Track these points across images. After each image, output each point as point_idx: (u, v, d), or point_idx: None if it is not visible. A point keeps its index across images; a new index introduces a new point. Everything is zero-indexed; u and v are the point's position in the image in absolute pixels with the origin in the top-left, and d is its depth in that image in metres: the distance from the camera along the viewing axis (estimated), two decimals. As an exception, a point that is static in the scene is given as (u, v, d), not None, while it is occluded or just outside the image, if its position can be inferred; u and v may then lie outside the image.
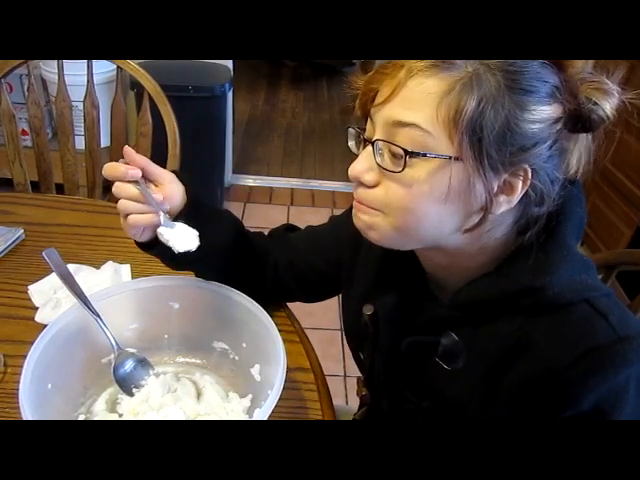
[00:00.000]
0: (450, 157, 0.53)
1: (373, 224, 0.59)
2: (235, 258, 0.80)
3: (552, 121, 0.53)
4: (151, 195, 0.67)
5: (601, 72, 0.55)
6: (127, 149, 0.68)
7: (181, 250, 0.68)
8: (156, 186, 0.70)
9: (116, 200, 0.68)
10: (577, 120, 0.54)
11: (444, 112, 0.52)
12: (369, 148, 0.58)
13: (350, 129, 0.64)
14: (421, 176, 0.54)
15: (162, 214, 0.68)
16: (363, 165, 0.58)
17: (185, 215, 0.71)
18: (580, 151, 0.58)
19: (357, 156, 0.61)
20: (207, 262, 0.77)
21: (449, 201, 0.55)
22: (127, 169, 0.66)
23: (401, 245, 0.62)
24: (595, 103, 0.53)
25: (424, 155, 0.53)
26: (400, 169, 0.54)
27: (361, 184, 0.59)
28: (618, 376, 0.52)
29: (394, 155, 0.55)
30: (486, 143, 0.52)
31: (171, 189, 0.71)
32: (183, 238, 0.68)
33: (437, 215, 0.56)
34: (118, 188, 0.67)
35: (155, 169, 0.70)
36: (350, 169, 0.59)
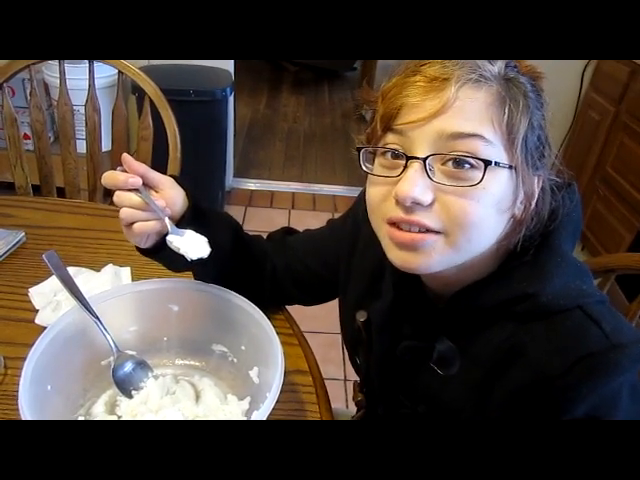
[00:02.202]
0: (511, 167, 0.54)
1: (430, 248, 0.55)
2: (234, 261, 0.80)
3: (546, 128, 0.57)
4: (154, 202, 0.67)
5: None
6: (125, 156, 0.67)
7: (194, 258, 0.67)
8: (156, 192, 0.70)
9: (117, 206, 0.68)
10: None
11: (499, 123, 0.53)
12: (415, 165, 0.53)
13: (366, 150, 0.59)
14: (489, 187, 0.53)
15: (169, 222, 0.68)
16: (416, 184, 0.53)
17: (188, 219, 0.71)
18: None
19: (382, 175, 0.56)
20: (207, 265, 0.77)
21: (504, 212, 0.55)
22: (127, 177, 0.65)
23: (450, 265, 0.57)
24: None
25: (497, 164, 0.53)
26: (470, 182, 0.52)
27: (415, 207, 0.53)
28: (611, 384, 0.52)
29: (449, 170, 0.53)
30: (531, 152, 0.55)
31: (172, 194, 0.70)
32: (194, 245, 0.68)
33: (494, 227, 0.56)
34: (119, 197, 0.66)
35: (154, 175, 0.69)
36: (403, 191, 0.53)
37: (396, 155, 0.55)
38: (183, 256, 0.67)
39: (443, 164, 0.53)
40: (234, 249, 0.80)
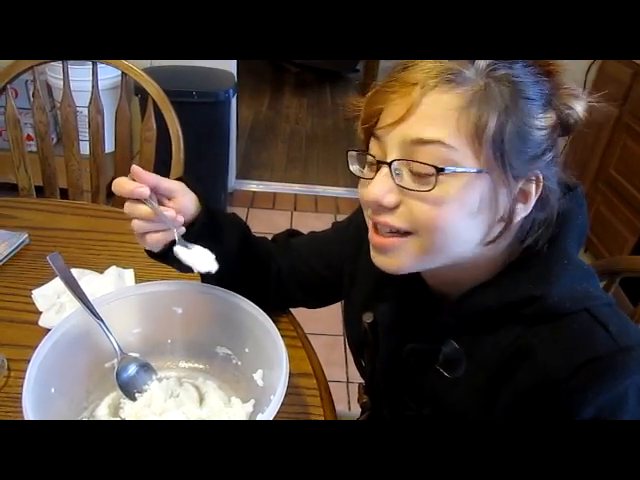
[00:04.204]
0: (478, 171, 0.53)
1: (399, 250, 0.57)
2: (241, 263, 0.80)
3: (552, 127, 0.55)
4: (163, 213, 0.66)
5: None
6: (135, 169, 0.65)
7: (202, 271, 0.67)
8: (169, 200, 0.69)
9: (122, 207, 0.67)
10: (563, 125, 0.57)
11: (466, 127, 0.52)
12: (384, 170, 0.56)
13: (352, 152, 0.61)
14: (449, 193, 0.53)
15: (177, 235, 0.67)
16: (381, 187, 0.55)
17: (201, 223, 0.71)
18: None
19: (363, 178, 0.59)
20: (224, 254, 0.77)
21: (477, 215, 0.55)
22: (134, 188, 0.64)
23: (424, 267, 0.60)
24: (571, 107, 0.56)
25: (454, 171, 0.52)
26: (429, 187, 0.53)
27: (381, 208, 0.56)
28: (618, 386, 0.52)
29: (416, 174, 0.54)
30: (508, 154, 0.53)
31: (184, 201, 0.70)
32: (201, 259, 0.68)
33: (466, 230, 0.55)
34: (129, 208, 0.66)
35: (166, 184, 0.68)
36: (366, 194, 0.56)
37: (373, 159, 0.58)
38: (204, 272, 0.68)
39: (410, 168, 0.55)
40: (242, 251, 0.80)
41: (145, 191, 0.65)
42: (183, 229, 0.69)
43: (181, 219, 0.68)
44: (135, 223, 0.67)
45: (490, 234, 0.57)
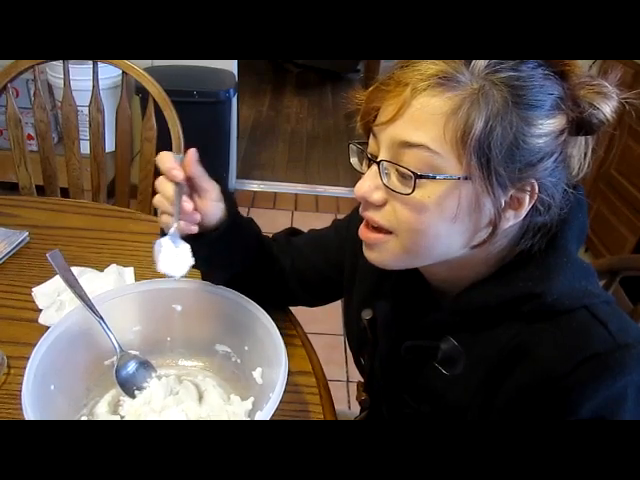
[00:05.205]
0: (459, 177, 0.52)
1: (383, 247, 0.59)
2: (253, 268, 0.81)
3: (557, 133, 0.53)
4: (180, 204, 0.66)
5: (601, 75, 0.55)
6: (190, 153, 0.66)
7: (160, 271, 0.66)
8: (199, 197, 0.69)
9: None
10: (579, 126, 0.55)
11: (452, 132, 0.51)
12: (374, 167, 0.57)
13: (352, 145, 0.62)
14: (430, 197, 0.53)
15: (173, 228, 0.66)
16: (369, 184, 0.57)
17: (221, 234, 0.70)
18: (580, 152, 0.58)
19: (360, 172, 0.60)
20: (223, 269, 0.77)
21: (459, 220, 0.54)
22: (172, 168, 0.65)
23: (409, 265, 0.62)
24: (595, 107, 0.53)
25: (433, 177, 0.53)
26: (409, 191, 0.53)
27: (368, 204, 0.58)
28: (616, 384, 0.52)
29: (402, 175, 0.54)
30: (494, 161, 0.51)
31: (212, 206, 0.69)
32: (174, 260, 0.66)
33: (447, 234, 0.56)
34: (159, 183, 0.67)
35: (203, 184, 0.68)
36: (356, 189, 0.58)
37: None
38: (203, 256, 0.68)
39: (397, 169, 0.55)
40: (257, 259, 0.81)
41: (178, 175, 0.65)
42: (196, 228, 0.68)
43: (197, 217, 0.67)
44: (156, 198, 0.68)
45: (475, 238, 0.57)
